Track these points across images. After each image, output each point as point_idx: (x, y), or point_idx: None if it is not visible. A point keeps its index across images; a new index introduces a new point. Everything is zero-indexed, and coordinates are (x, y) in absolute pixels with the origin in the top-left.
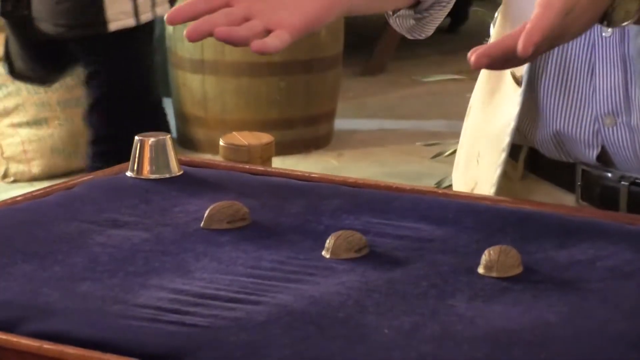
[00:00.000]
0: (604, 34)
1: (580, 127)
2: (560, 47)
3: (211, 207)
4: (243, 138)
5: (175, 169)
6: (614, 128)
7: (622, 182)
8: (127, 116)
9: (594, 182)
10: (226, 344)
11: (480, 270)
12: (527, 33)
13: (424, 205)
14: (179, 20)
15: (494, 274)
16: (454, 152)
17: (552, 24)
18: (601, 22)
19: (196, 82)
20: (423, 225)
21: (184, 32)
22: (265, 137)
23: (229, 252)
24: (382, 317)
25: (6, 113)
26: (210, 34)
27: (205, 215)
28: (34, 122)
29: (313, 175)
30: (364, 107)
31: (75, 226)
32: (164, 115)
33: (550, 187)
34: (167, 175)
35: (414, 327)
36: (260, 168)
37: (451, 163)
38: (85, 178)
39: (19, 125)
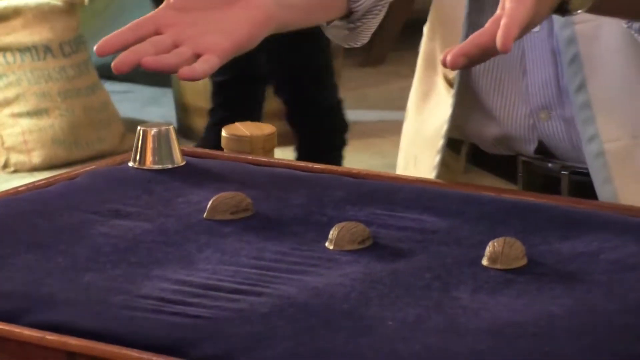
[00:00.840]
0: (532, 30)
1: (517, 124)
2: None
3: (214, 197)
4: (245, 129)
5: (178, 160)
6: (549, 122)
7: (563, 172)
8: (316, 86)
9: (535, 172)
10: (229, 335)
11: (485, 262)
12: (505, 29)
13: (427, 197)
14: (108, 52)
15: (498, 266)
16: None
17: (527, 16)
18: (556, 10)
19: None
20: (427, 217)
21: (112, 64)
22: (267, 128)
23: (232, 243)
24: (385, 309)
25: (7, 103)
26: (138, 64)
27: (209, 206)
28: (35, 113)
29: (316, 166)
30: (365, 98)
31: (78, 216)
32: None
33: (493, 179)
34: (170, 166)
35: (418, 319)
36: (264, 159)
37: None
38: (87, 168)
39: (20, 115)
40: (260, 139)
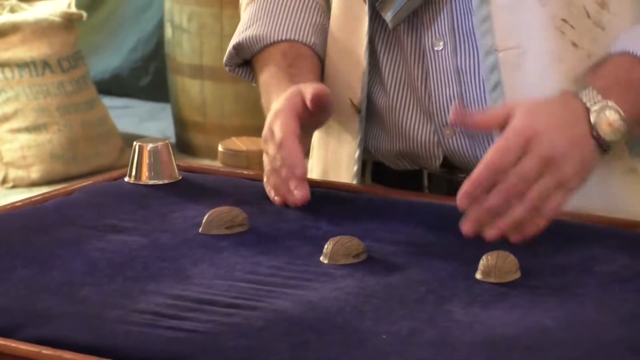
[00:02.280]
0: (435, 48)
1: (422, 140)
2: (395, 65)
3: (210, 212)
4: (241, 144)
5: (174, 175)
6: (454, 138)
7: None
8: None
9: (441, 183)
10: (224, 349)
11: (478, 275)
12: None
13: (421, 211)
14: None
15: (491, 280)
16: None
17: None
18: (603, 150)
19: (195, 88)
20: (421, 231)
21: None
22: None
23: (228, 258)
24: (380, 322)
25: (5, 118)
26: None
27: (204, 220)
28: (33, 128)
29: (311, 180)
30: None
31: (74, 231)
32: None
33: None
34: (166, 181)
35: (412, 333)
36: (259, 174)
37: None
38: (84, 184)
39: (18, 130)
40: (257, 154)
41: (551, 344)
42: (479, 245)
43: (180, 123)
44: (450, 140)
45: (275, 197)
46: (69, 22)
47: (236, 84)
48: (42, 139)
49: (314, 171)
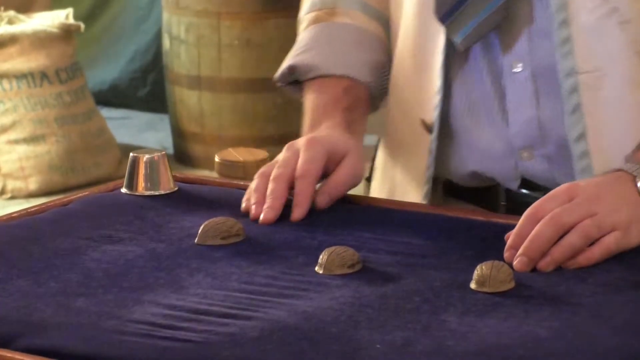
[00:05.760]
0: (513, 70)
1: (498, 164)
2: (468, 85)
3: (205, 223)
4: (238, 154)
5: (170, 186)
6: (532, 161)
7: None
8: None
9: (519, 201)
10: (220, 359)
11: (473, 285)
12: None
13: (417, 221)
14: None
15: (486, 289)
16: None
17: None
18: None
19: (193, 99)
20: (416, 241)
21: None
22: (260, 154)
23: (223, 268)
24: (374, 332)
25: (3, 130)
26: None
27: (200, 231)
28: (31, 139)
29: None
30: None
31: (70, 242)
32: None
33: (473, 208)
34: (162, 192)
35: (407, 342)
36: None
37: None
38: (80, 195)
39: (16, 142)
40: (253, 164)
41: (545, 353)
42: (473, 255)
43: (179, 134)
44: (528, 164)
45: (255, 206)
46: (67, 33)
47: (234, 95)
48: (40, 150)
49: (380, 192)
